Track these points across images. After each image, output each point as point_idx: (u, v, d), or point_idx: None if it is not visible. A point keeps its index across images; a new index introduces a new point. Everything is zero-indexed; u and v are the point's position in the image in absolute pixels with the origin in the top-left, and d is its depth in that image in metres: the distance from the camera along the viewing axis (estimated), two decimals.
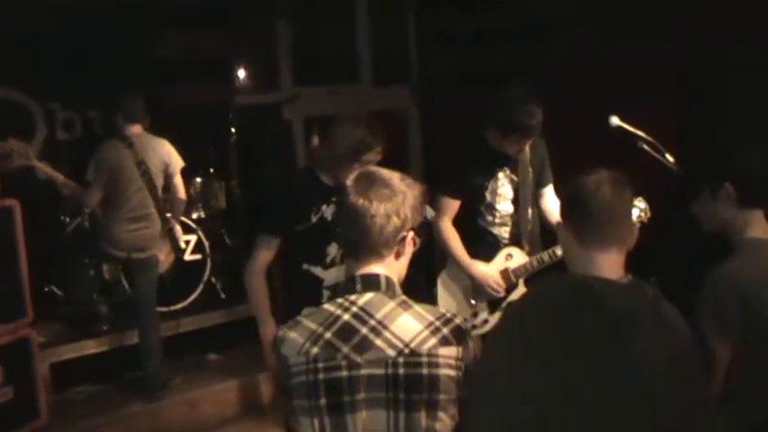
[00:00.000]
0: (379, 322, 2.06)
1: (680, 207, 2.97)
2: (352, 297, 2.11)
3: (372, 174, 2.19)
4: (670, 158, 4.17)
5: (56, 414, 5.18)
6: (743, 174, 2.70)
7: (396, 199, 2.13)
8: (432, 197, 4.25)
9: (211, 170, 6.90)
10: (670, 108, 5.93)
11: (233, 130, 6.93)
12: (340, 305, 2.11)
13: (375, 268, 2.14)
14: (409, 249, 2.21)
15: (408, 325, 2.06)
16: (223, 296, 6.53)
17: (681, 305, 2.34)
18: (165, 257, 5.85)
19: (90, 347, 5.87)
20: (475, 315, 4.36)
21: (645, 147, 4.18)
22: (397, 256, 2.17)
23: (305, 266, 3.64)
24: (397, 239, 2.14)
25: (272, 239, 3.64)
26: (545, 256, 4.29)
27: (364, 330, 2.05)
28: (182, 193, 5.78)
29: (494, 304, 4.37)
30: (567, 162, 5.39)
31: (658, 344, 1.78)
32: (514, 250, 4.38)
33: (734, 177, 2.70)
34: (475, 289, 4.34)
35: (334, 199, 3.55)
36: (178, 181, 5.73)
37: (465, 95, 7.66)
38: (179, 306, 6.20)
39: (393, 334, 2.04)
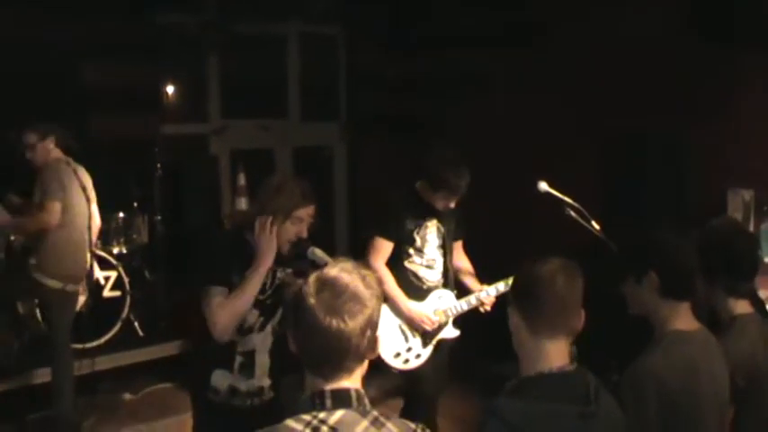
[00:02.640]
0: None
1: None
2: (322, 415, 1.93)
3: (334, 282, 1.97)
4: (595, 225, 4.29)
5: None
6: (668, 265, 2.68)
7: (366, 311, 1.96)
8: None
9: (135, 204, 6.76)
10: (593, 165, 6.14)
11: (158, 163, 6.79)
12: (308, 423, 1.92)
13: (345, 383, 1.99)
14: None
15: None
16: (141, 334, 6.39)
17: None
18: (83, 293, 5.70)
19: None
20: (409, 350, 4.68)
21: (571, 213, 4.30)
22: (365, 360, 2.05)
23: None
24: (369, 350, 2.01)
25: (223, 290, 3.38)
26: (472, 299, 4.70)
27: None
28: (98, 220, 5.70)
29: (426, 339, 4.71)
30: (493, 213, 5.55)
31: None
32: (444, 292, 4.76)
33: (659, 267, 2.68)
34: (409, 325, 4.66)
35: None
36: (95, 208, 5.61)
37: (391, 137, 7.77)
38: (95, 344, 6.02)
39: None
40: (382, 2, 7.51)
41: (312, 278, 2.00)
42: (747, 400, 2.80)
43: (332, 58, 8.59)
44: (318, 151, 8.67)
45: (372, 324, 1.99)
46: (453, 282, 4.82)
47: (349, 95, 8.58)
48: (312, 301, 1.94)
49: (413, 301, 4.64)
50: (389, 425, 1.98)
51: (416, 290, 4.68)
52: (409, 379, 4.76)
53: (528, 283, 2.35)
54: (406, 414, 4.62)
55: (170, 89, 7.71)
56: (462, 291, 4.83)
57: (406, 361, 4.67)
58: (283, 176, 3.63)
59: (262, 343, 3.54)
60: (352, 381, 2.00)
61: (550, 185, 4.35)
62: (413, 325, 4.65)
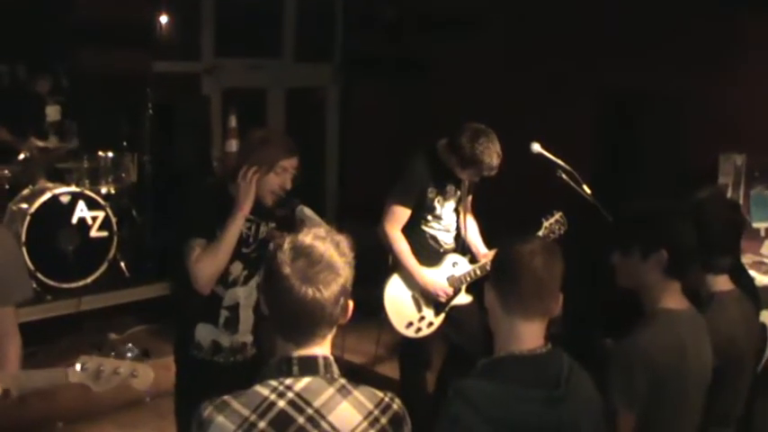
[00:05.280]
0: (317, 411, 1.94)
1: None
2: (288, 381, 1.95)
3: (310, 251, 1.98)
4: (586, 189, 4.28)
5: None
6: (679, 244, 2.66)
7: (340, 279, 1.97)
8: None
9: (124, 143, 6.68)
10: (589, 120, 6.10)
11: (149, 102, 6.69)
12: (274, 389, 1.94)
13: (315, 349, 2.01)
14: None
15: (347, 415, 1.97)
16: (127, 275, 6.38)
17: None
18: None
19: None
20: (422, 319, 4.61)
21: (563, 176, 4.28)
22: (336, 326, 2.05)
23: None
24: (341, 316, 2.02)
25: (203, 241, 3.37)
26: (487, 265, 4.48)
27: (301, 420, 1.93)
28: None
29: (438, 308, 4.64)
30: None
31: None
32: (459, 258, 4.68)
33: (670, 246, 2.65)
34: (422, 293, 4.59)
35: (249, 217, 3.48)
36: None
37: (385, 79, 7.68)
38: (81, 284, 6.02)
39: (331, 425, 1.94)
40: None
41: (286, 245, 2.00)
42: (719, 381, 2.80)
43: None
44: (311, 93, 8.58)
45: (345, 292, 2.00)
46: (464, 245, 4.73)
47: (344, 36, 8.45)
48: (287, 269, 1.95)
49: (428, 270, 4.57)
50: (357, 393, 2.01)
51: (434, 253, 4.62)
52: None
53: (506, 262, 2.34)
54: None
55: (163, 25, 7.55)
56: (472, 253, 4.75)
57: (419, 330, 4.62)
58: (268, 130, 3.60)
59: (246, 298, 3.54)
60: (323, 347, 2.02)
61: (544, 141, 4.34)
62: (428, 296, 4.59)
